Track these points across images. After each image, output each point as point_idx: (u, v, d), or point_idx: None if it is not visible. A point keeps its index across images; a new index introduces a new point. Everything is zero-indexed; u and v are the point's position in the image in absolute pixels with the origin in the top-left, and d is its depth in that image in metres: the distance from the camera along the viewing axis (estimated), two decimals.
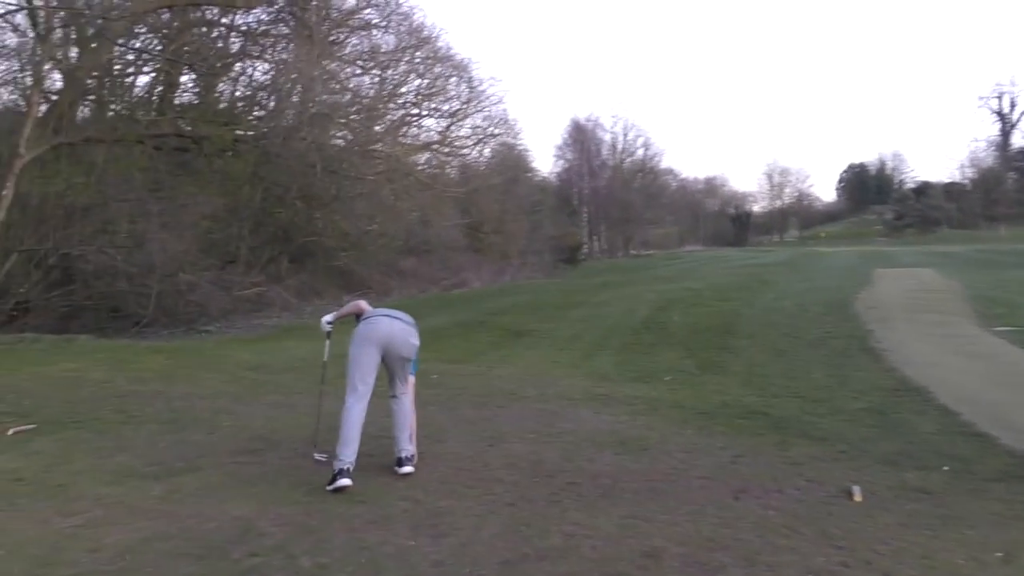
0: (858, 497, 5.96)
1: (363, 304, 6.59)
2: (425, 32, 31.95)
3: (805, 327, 15.74)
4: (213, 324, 18.47)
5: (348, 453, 5.90)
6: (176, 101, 24.67)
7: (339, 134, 26.47)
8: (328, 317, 6.78)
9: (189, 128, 21.95)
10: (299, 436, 7.43)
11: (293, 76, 23.86)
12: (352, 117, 26.20)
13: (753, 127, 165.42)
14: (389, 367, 6.35)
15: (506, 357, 13.83)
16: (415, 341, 6.38)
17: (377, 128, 28.23)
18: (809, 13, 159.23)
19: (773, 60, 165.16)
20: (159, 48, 23.12)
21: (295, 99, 24.31)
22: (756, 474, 6.61)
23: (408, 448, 6.42)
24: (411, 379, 6.61)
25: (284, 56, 25.59)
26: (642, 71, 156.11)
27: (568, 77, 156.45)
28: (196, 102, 25.27)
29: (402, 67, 31.38)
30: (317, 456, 6.59)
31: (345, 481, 5.77)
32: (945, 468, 6.91)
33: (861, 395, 10.30)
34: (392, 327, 6.23)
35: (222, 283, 20.04)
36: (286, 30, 26.92)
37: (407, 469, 6.30)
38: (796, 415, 9.16)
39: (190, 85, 25.58)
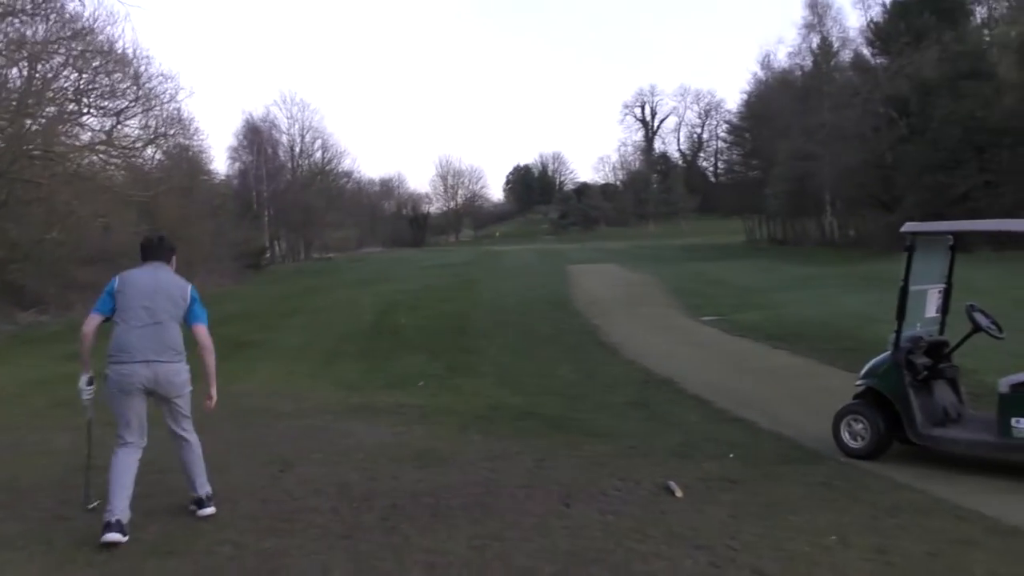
0: (679, 492, 6.03)
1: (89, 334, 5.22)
2: (81, 23, 28.92)
3: (535, 325, 16.17)
4: None
5: (118, 503, 4.89)
6: None
7: None
8: (83, 380, 5.36)
9: None
10: (49, 480, 6.23)
11: None
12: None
13: (426, 127, 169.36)
14: (162, 407, 5.33)
15: (238, 371, 12.75)
16: (183, 377, 5.30)
17: (30, 124, 25.05)
18: (472, 15, 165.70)
19: (444, 59, 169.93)
20: None
21: None
22: (569, 478, 6.49)
23: (207, 486, 5.51)
24: (203, 331, 5.39)
25: None
26: (317, 69, 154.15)
27: (239, 73, 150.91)
28: None
29: (56, 60, 28.26)
30: (90, 506, 5.49)
31: (114, 536, 4.76)
32: (731, 456, 7.24)
33: (615, 389, 10.66)
34: (152, 372, 5.11)
35: None
36: None
37: (208, 510, 5.42)
38: (567, 413, 9.26)
39: None
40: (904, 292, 6.91)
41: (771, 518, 5.46)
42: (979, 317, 7.04)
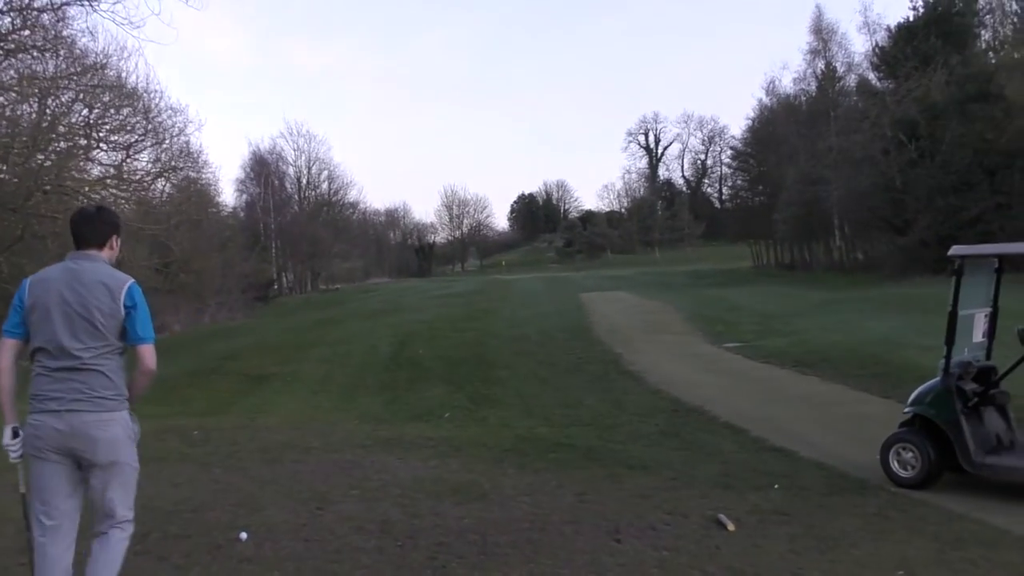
0: (731, 526, 5.85)
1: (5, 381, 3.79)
2: (92, 59, 29.08)
3: (556, 353, 16.02)
4: None
5: None
6: None
7: None
8: (6, 433, 3.77)
9: None
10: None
11: None
12: (14, 149, 22.94)
13: (431, 157, 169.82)
14: (88, 480, 3.76)
15: (261, 405, 12.68)
16: (112, 432, 3.69)
17: (42, 160, 25.03)
18: (476, 48, 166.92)
19: (449, 89, 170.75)
20: None
21: None
22: (614, 512, 6.31)
23: None
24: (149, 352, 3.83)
25: None
26: (323, 100, 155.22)
27: (245, 104, 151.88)
28: None
29: (66, 95, 28.40)
30: None
31: None
32: (776, 486, 7.06)
33: (646, 418, 10.48)
34: (66, 424, 3.61)
35: None
36: None
37: None
38: (600, 444, 9.09)
39: None
40: (953, 316, 6.77)
41: (832, 552, 5.29)
42: None
